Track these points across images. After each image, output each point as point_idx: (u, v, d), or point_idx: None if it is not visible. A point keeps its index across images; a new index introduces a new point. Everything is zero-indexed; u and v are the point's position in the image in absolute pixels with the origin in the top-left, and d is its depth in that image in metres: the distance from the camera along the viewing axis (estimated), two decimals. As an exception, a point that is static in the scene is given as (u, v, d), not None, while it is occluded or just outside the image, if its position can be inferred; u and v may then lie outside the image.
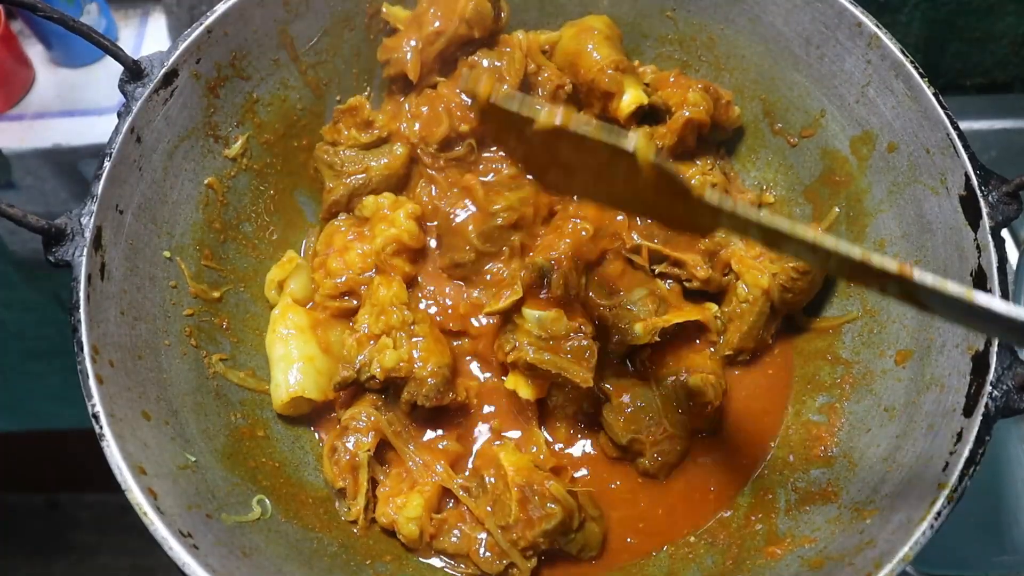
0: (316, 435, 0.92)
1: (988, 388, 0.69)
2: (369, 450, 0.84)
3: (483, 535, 0.82)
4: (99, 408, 0.70)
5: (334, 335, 0.92)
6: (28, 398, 1.80)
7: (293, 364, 0.89)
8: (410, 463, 0.86)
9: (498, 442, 0.89)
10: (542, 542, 0.79)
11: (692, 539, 0.86)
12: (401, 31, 0.97)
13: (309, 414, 0.92)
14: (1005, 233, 0.75)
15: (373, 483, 0.86)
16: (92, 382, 0.70)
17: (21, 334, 1.62)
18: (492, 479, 0.82)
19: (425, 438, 0.89)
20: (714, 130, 0.98)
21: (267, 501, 0.81)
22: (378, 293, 0.88)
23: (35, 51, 1.44)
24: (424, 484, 0.85)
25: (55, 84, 1.42)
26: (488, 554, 0.81)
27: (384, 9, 0.98)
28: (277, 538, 0.78)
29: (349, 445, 0.85)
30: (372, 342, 0.85)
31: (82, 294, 0.73)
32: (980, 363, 0.71)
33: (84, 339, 0.72)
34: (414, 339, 0.86)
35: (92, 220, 0.75)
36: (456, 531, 0.83)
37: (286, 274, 0.95)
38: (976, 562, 0.98)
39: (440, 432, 0.89)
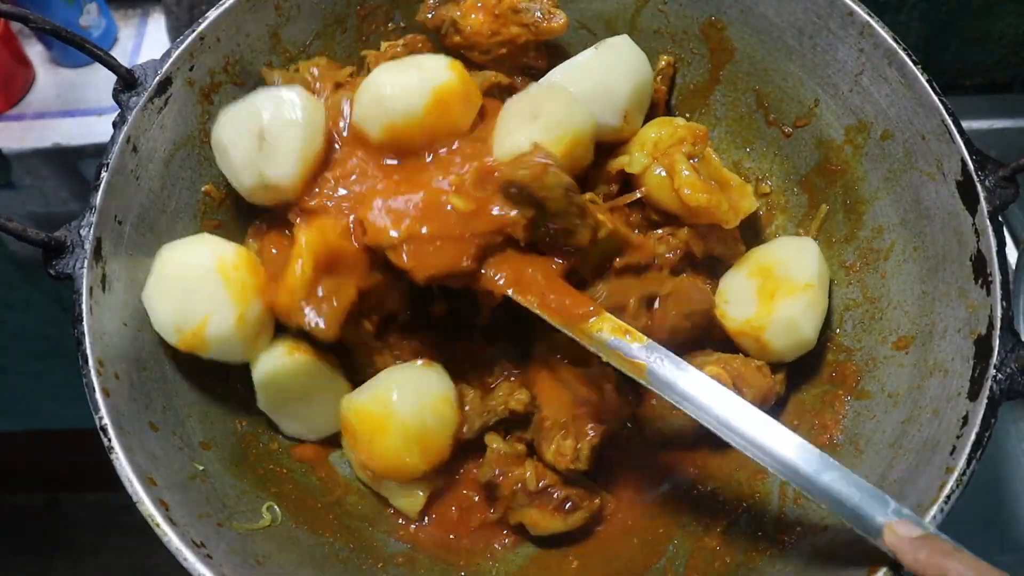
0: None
1: (992, 371, 0.70)
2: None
3: None
4: (107, 421, 0.69)
5: None
6: (28, 398, 1.78)
7: None
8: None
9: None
10: None
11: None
12: None
13: None
14: (1005, 234, 0.75)
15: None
16: (99, 395, 0.70)
17: (22, 334, 1.61)
18: None
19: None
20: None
21: (276, 508, 0.81)
22: None
23: (35, 51, 1.43)
24: None
25: (55, 84, 1.41)
26: None
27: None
28: (289, 544, 0.78)
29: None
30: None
31: (84, 306, 0.73)
32: (983, 346, 0.72)
33: (88, 352, 0.71)
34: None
35: (92, 232, 0.75)
36: None
37: None
38: (976, 562, 0.99)
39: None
